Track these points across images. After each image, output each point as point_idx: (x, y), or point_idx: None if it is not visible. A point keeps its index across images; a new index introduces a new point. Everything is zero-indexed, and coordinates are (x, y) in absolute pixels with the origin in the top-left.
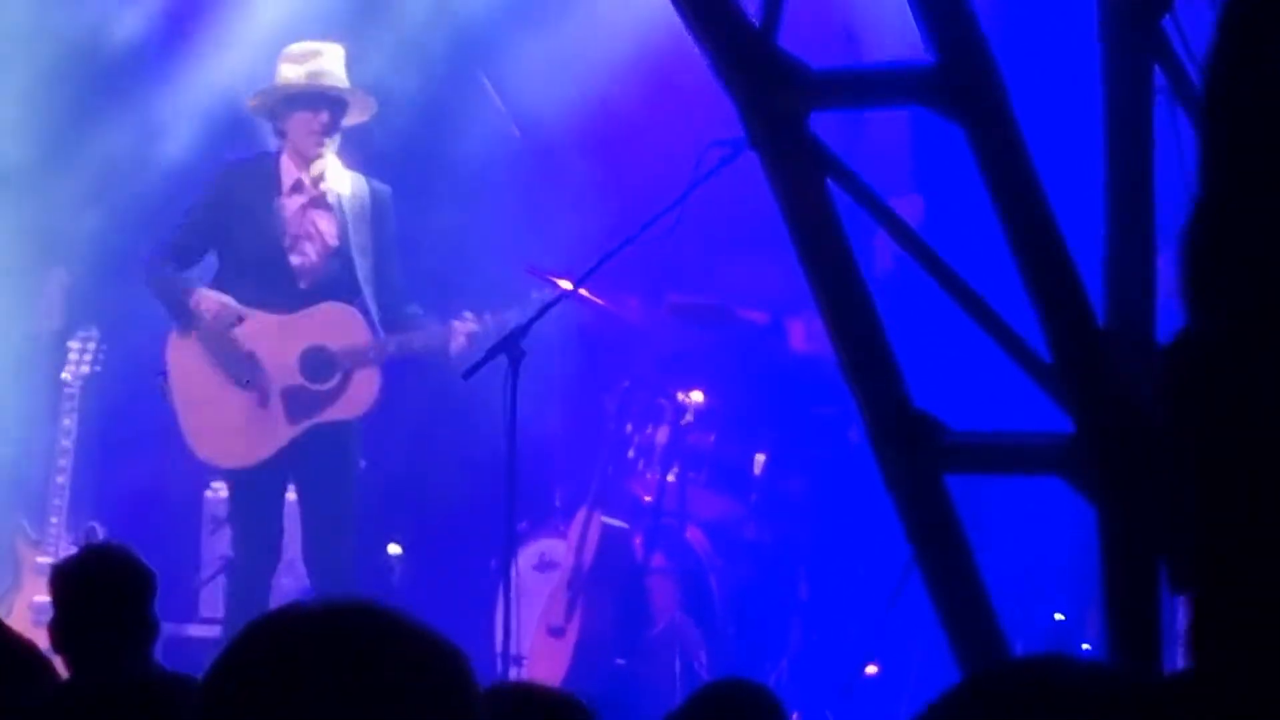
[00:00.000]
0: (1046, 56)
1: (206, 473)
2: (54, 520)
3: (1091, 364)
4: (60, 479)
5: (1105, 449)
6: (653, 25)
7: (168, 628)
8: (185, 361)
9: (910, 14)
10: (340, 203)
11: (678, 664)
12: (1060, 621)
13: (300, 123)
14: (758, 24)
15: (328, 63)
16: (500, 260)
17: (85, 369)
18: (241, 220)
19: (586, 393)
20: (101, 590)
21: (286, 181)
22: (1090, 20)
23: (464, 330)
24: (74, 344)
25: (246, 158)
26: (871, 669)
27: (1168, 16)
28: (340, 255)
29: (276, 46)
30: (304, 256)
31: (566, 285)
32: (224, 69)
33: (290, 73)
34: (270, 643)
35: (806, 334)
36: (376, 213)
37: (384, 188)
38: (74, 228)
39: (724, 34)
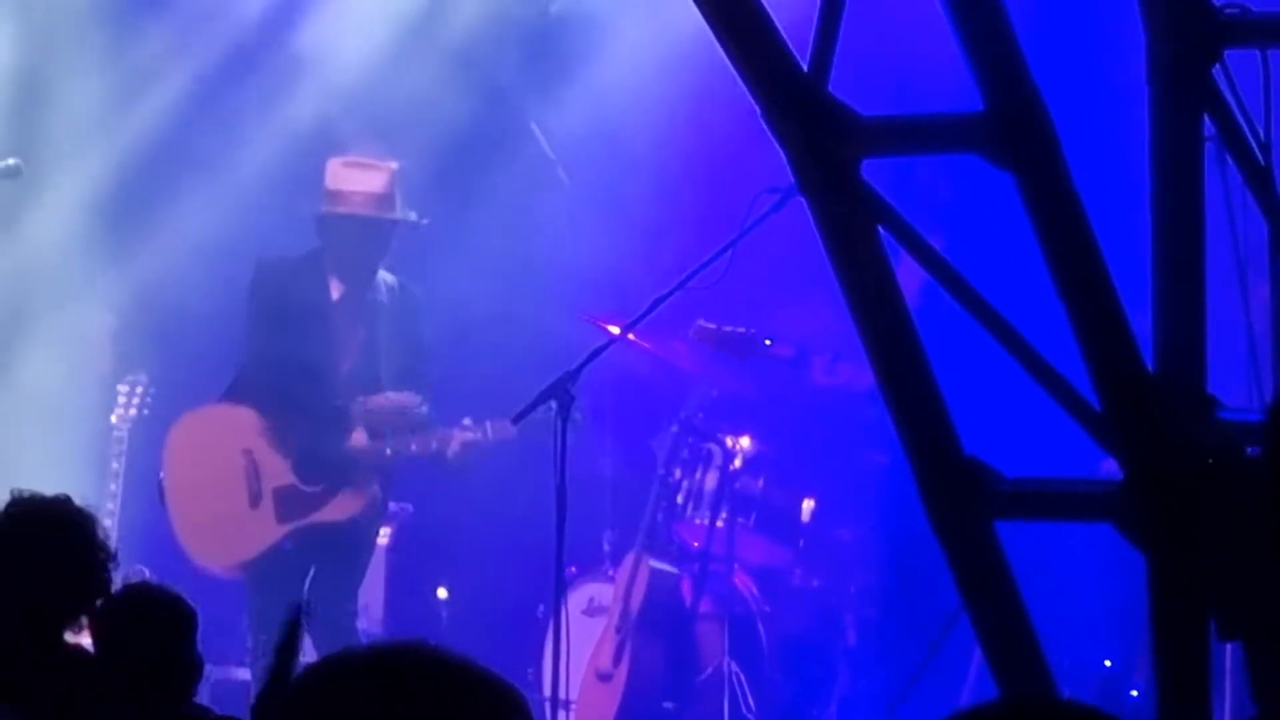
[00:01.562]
0: (1095, 104)
1: None
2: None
3: (1142, 412)
4: (108, 522)
5: (1155, 497)
6: (703, 70)
7: (215, 670)
8: (185, 456)
9: (962, 61)
10: (375, 306)
11: (725, 709)
12: (1109, 668)
13: (350, 243)
14: (808, 70)
15: (381, 183)
16: (549, 306)
17: (133, 413)
18: (292, 321)
19: (636, 437)
20: (142, 629)
21: (334, 289)
22: (1139, 69)
23: (461, 439)
24: (122, 388)
25: (294, 258)
26: None
27: (1217, 65)
28: (369, 357)
29: (333, 111)
30: (338, 364)
31: (615, 330)
32: (280, 123)
33: (343, 184)
34: (327, 682)
35: (826, 368)
36: (406, 313)
37: (415, 289)
38: (122, 273)
39: (774, 81)
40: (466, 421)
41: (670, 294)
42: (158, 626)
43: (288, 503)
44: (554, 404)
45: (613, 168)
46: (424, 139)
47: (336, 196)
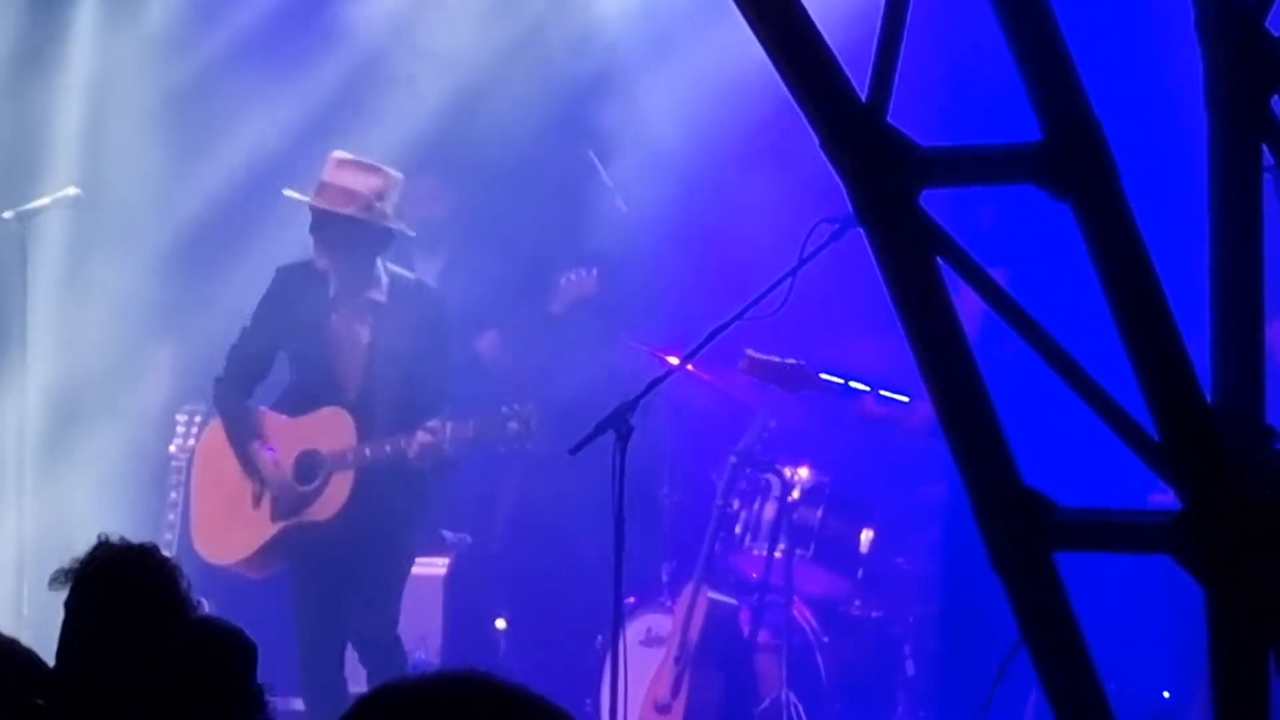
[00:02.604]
0: (1152, 134)
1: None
2: None
3: (1201, 443)
4: (166, 553)
5: (1214, 528)
6: (761, 100)
7: (276, 701)
8: (213, 448)
9: (1022, 90)
10: (373, 307)
11: None
12: (1167, 700)
13: (327, 239)
14: (866, 100)
15: (370, 185)
16: (609, 333)
17: (191, 442)
18: (296, 328)
19: (694, 468)
20: (202, 662)
21: (333, 290)
22: (1197, 97)
23: (420, 440)
24: (181, 417)
25: (300, 263)
26: None
27: (1277, 94)
28: (384, 359)
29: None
30: (347, 365)
31: (674, 360)
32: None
33: (330, 178)
34: (385, 711)
35: (874, 401)
36: (413, 315)
37: (432, 290)
38: (182, 302)
39: (831, 110)
40: (429, 424)
41: (729, 324)
42: (217, 659)
43: (282, 501)
44: (612, 433)
45: (671, 195)
46: (486, 172)
47: (319, 189)
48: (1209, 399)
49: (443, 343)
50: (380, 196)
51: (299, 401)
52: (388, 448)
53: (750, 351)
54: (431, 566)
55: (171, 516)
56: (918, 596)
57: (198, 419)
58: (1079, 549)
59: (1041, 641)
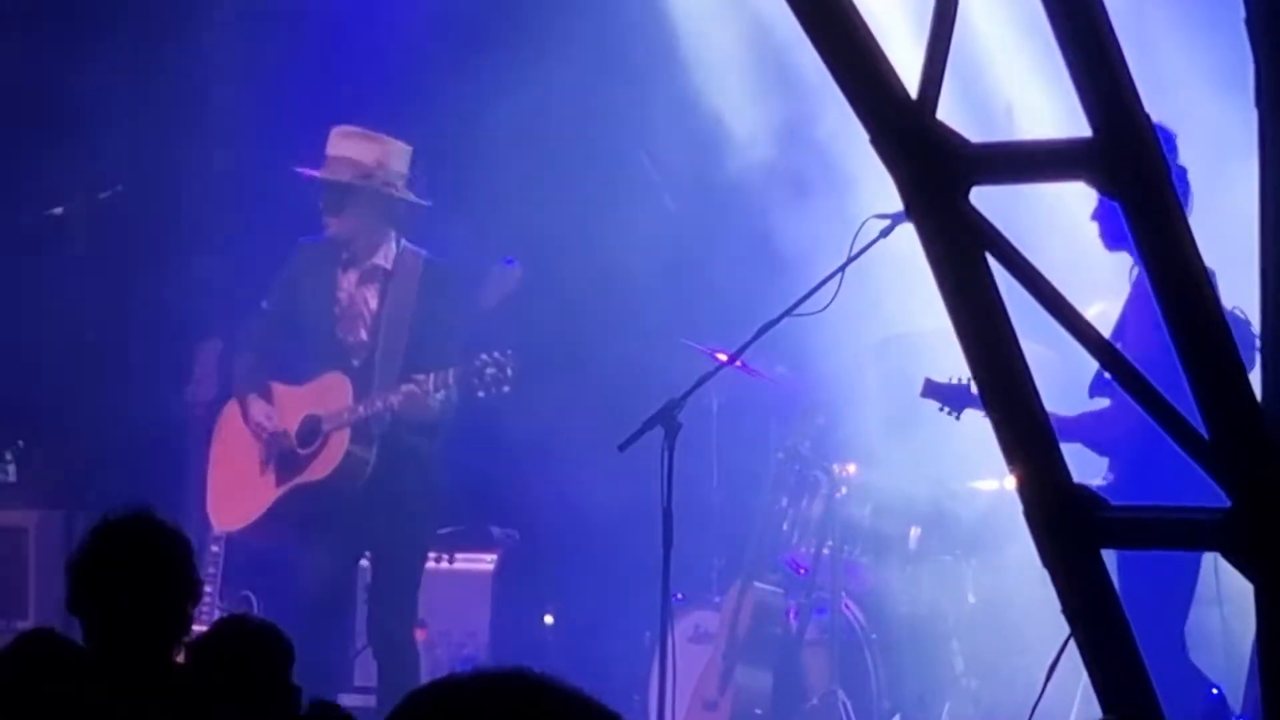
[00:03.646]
0: (1203, 130)
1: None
2: (208, 589)
3: (1251, 440)
4: (215, 548)
5: (1263, 525)
6: (808, 96)
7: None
8: (229, 425)
9: (1070, 87)
10: (381, 276)
11: None
12: (1216, 695)
13: (332, 209)
14: (916, 97)
15: (373, 154)
16: (659, 331)
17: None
18: (309, 298)
19: (742, 465)
20: (236, 660)
21: (342, 259)
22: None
23: (404, 391)
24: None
25: (318, 239)
26: None
27: None
28: (390, 327)
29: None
30: (354, 333)
31: (723, 357)
32: None
33: (331, 149)
34: (430, 709)
35: None
36: (427, 287)
37: (441, 264)
38: (227, 298)
39: (881, 107)
40: (415, 376)
41: (777, 320)
42: (253, 659)
43: (284, 466)
44: (660, 430)
45: (712, 193)
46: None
47: (324, 163)
48: (1258, 397)
49: (448, 314)
50: (380, 164)
51: (306, 369)
52: (378, 403)
53: (928, 378)
54: (480, 562)
55: None
56: (965, 593)
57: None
58: (1127, 546)
59: (1089, 636)
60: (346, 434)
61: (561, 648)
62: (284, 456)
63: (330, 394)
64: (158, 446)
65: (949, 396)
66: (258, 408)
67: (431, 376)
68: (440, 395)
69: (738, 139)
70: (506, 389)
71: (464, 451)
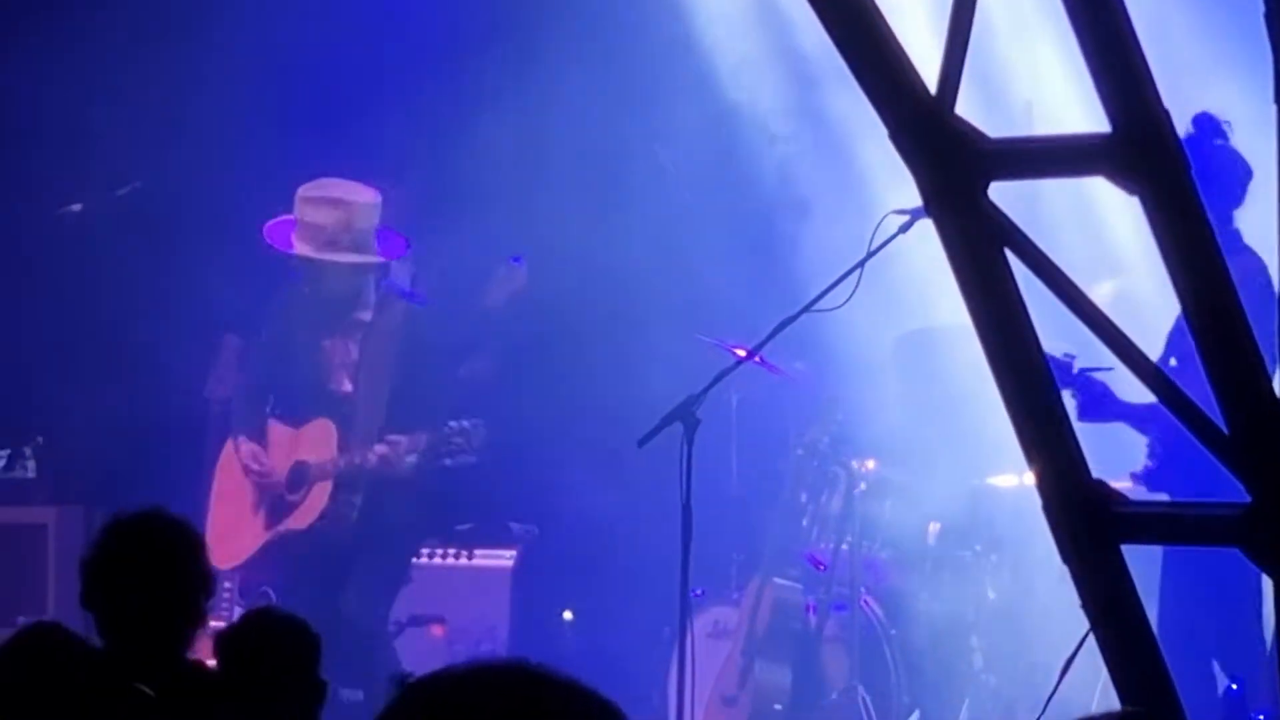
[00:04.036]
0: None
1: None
2: (227, 585)
3: (1270, 435)
4: None
5: None
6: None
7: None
8: (229, 463)
9: (1089, 83)
10: (362, 328)
11: None
12: (1234, 690)
13: (332, 274)
14: (935, 93)
15: (353, 217)
16: (676, 326)
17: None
18: (301, 338)
19: (761, 461)
20: (264, 654)
21: (326, 313)
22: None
23: (377, 453)
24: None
25: (300, 286)
26: None
27: None
28: (369, 378)
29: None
30: (339, 383)
31: (741, 353)
32: None
33: (318, 218)
34: (427, 702)
35: None
36: (401, 332)
37: (413, 310)
38: (247, 295)
39: (900, 102)
40: (389, 438)
41: (796, 316)
42: (281, 651)
43: (273, 510)
44: (679, 425)
45: (732, 188)
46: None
47: (295, 228)
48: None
49: (422, 359)
50: (347, 227)
51: (301, 412)
52: (356, 459)
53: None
54: (498, 558)
55: None
56: (984, 590)
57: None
58: (1147, 541)
59: (1108, 631)
60: (329, 487)
61: (580, 644)
62: (274, 500)
63: (319, 442)
64: (177, 442)
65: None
66: (246, 449)
67: (404, 440)
68: (412, 458)
69: (753, 131)
70: (472, 459)
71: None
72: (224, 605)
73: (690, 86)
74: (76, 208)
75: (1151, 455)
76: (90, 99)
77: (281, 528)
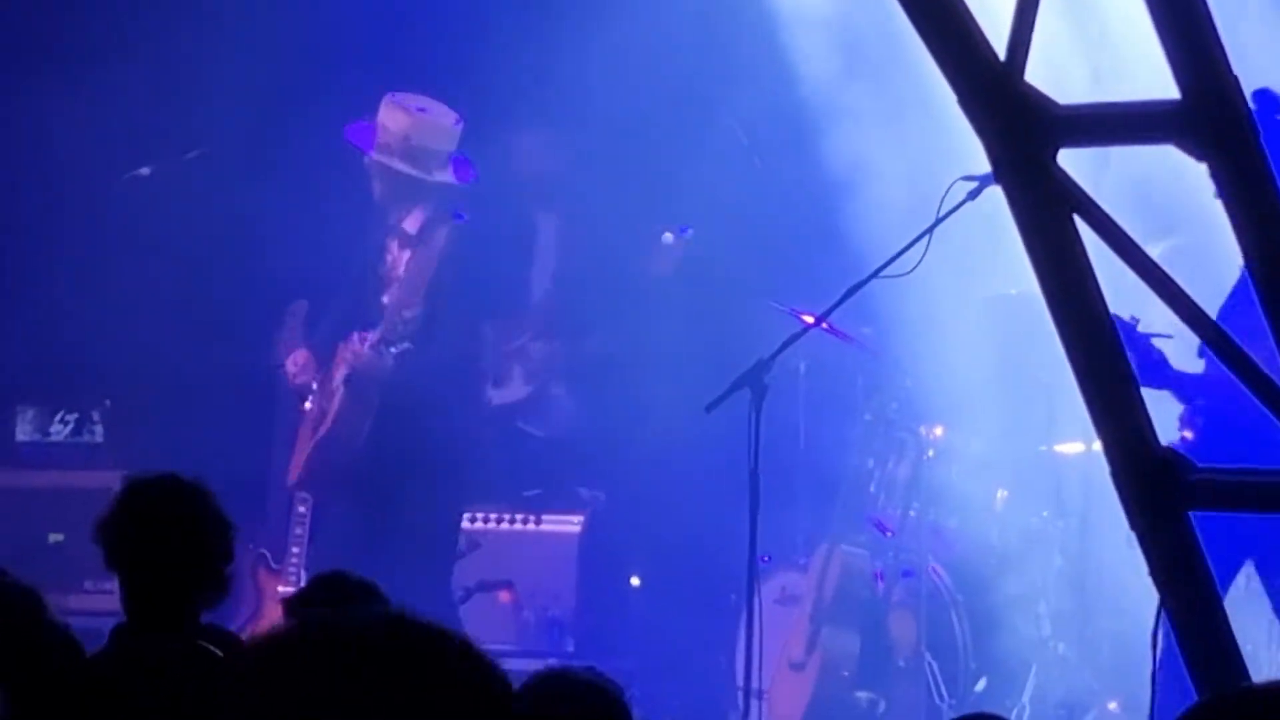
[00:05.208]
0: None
1: (458, 501)
2: (295, 550)
3: None
4: (301, 509)
5: None
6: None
7: None
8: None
9: (1160, 50)
10: (414, 244)
11: (920, 700)
12: None
13: (376, 177)
14: (1004, 59)
15: (418, 130)
16: (745, 293)
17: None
18: (367, 269)
19: (829, 427)
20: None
21: (388, 223)
22: None
23: (352, 349)
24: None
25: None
26: (1113, 705)
27: None
28: (398, 294)
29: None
30: (392, 294)
31: (810, 319)
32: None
33: (384, 121)
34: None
35: None
36: (450, 254)
37: (464, 228)
38: (313, 259)
39: (970, 69)
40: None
41: (864, 283)
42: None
43: (311, 423)
44: (748, 391)
45: (801, 155)
46: (615, 124)
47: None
48: None
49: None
50: (406, 137)
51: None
52: (348, 356)
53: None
54: (566, 524)
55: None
56: (1052, 556)
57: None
58: (1216, 508)
59: (1178, 600)
60: (341, 390)
61: (647, 610)
62: (310, 413)
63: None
64: (244, 406)
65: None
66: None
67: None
68: (393, 350)
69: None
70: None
71: None
72: (292, 568)
73: (760, 60)
74: (145, 171)
75: (1190, 426)
76: (159, 61)
77: (316, 437)
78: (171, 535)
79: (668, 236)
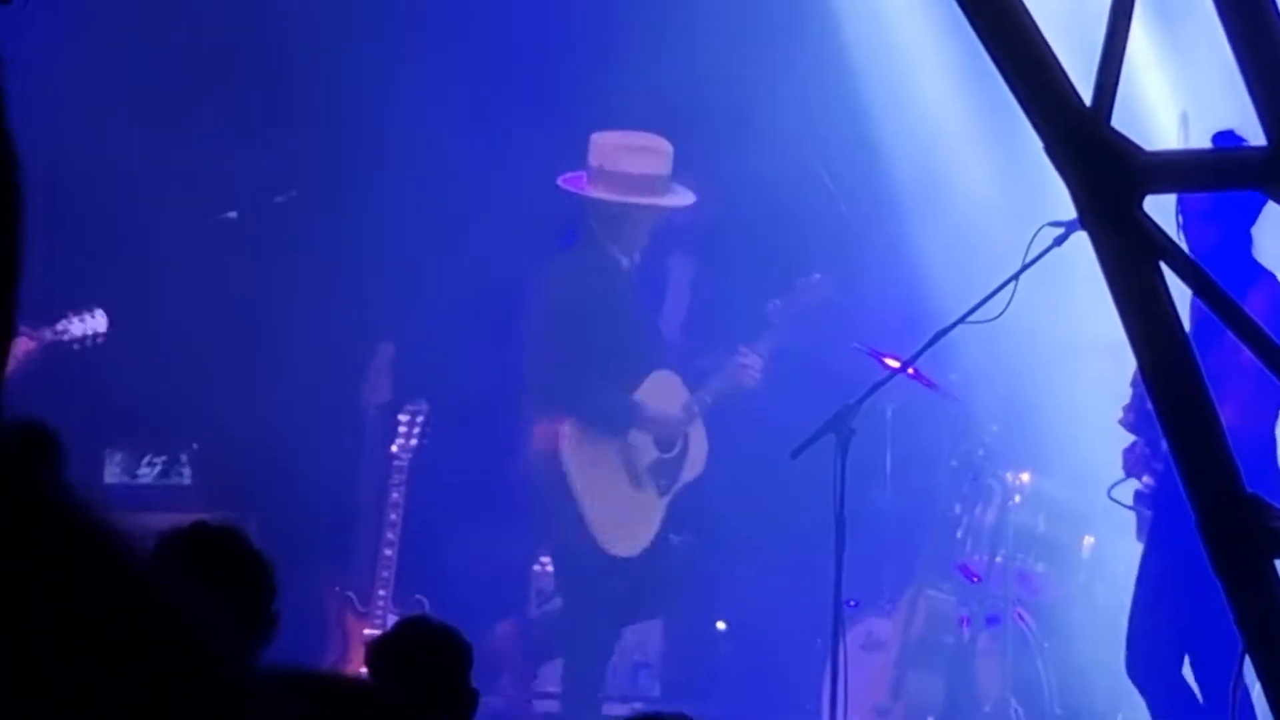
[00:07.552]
0: None
1: (533, 545)
2: (381, 593)
3: None
4: (388, 552)
5: None
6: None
7: (494, 702)
8: (581, 456)
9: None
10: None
11: None
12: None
13: (637, 222)
14: (1090, 104)
15: (664, 164)
16: (829, 337)
17: (414, 442)
18: (593, 313)
19: (915, 472)
20: (416, 663)
21: (620, 267)
22: None
23: (744, 362)
24: (403, 417)
25: (574, 250)
26: None
27: None
28: (650, 326)
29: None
30: (637, 335)
31: (895, 364)
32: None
33: (635, 168)
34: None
35: None
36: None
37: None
38: (401, 300)
39: (1056, 114)
40: (741, 348)
41: (951, 328)
42: (431, 660)
43: (657, 475)
44: (833, 436)
45: (895, 204)
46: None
47: (592, 174)
48: None
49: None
50: (660, 175)
51: (622, 379)
52: (720, 384)
53: None
54: None
55: (394, 515)
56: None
57: (419, 418)
58: None
59: (1264, 648)
60: (701, 426)
61: (734, 654)
62: (655, 466)
63: (666, 392)
64: (330, 449)
65: None
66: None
67: (760, 347)
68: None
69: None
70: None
71: None
72: (378, 612)
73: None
74: (233, 215)
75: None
76: (256, 104)
77: (678, 485)
78: (207, 581)
79: (816, 277)
